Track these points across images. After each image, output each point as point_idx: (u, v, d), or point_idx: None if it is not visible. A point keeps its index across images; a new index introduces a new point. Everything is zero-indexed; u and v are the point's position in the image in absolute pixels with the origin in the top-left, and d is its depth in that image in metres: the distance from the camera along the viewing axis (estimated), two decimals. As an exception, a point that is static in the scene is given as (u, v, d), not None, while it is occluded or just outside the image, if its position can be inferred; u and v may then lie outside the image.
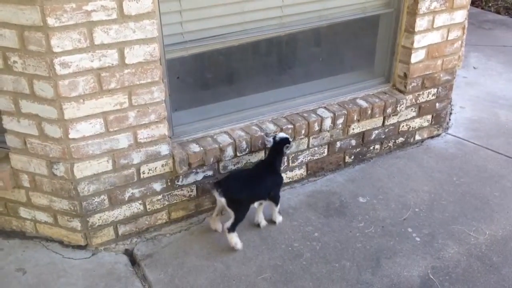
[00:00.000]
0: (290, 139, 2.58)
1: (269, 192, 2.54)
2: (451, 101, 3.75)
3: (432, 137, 3.43)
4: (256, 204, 2.51)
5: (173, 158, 2.45)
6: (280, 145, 2.54)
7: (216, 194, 2.40)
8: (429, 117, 3.33)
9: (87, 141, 2.21)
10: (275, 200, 2.59)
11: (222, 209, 2.50)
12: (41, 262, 2.39)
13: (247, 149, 2.64)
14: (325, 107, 2.91)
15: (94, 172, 2.29)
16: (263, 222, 2.61)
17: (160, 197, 2.53)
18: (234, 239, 2.44)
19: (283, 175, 2.89)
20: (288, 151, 2.58)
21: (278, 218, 2.64)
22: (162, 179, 2.49)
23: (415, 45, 2.97)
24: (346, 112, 2.89)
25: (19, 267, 2.36)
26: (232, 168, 2.68)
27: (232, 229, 2.41)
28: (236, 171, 2.66)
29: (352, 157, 3.13)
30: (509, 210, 2.76)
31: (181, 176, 2.54)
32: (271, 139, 2.56)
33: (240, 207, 2.41)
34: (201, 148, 2.50)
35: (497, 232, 2.61)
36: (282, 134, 2.60)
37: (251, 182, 2.49)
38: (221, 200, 2.38)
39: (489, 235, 2.59)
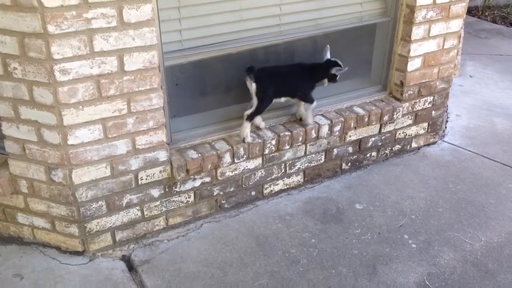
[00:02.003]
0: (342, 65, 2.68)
1: (296, 92, 2.70)
2: (447, 109, 3.79)
3: (428, 145, 3.45)
4: (283, 99, 2.69)
5: (171, 165, 2.46)
6: (328, 65, 2.68)
7: (248, 79, 2.55)
8: (425, 124, 3.36)
9: (86, 147, 2.22)
10: (305, 99, 2.74)
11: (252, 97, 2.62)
12: (38, 268, 2.39)
13: (245, 156, 2.66)
14: (322, 114, 2.93)
15: (92, 178, 2.30)
16: (303, 117, 2.81)
17: (157, 203, 2.55)
18: (247, 129, 2.60)
19: (280, 181, 2.91)
20: (337, 73, 2.71)
21: (309, 119, 2.79)
22: (160, 185, 2.51)
23: (412, 53, 3.00)
24: (343, 119, 2.91)
25: (16, 273, 2.36)
26: (230, 174, 2.69)
27: (250, 118, 2.58)
28: (273, 65, 2.75)
29: (349, 164, 3.15)
30: (504, 217, 2.78)
31: (179, 183, 2.56)
32: (327, 53, 2.72)
33: (264, 98, 2.57)
34: (199, 155, 2.52)
35: (493, 239, 2.63)
36: (335, 59, 2.71)
37: (282, 78, 2.64)
38: (252, 86, 2.54)
39: (484, 242, 2.60)
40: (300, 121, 2.83)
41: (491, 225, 2.72)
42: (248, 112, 2.59)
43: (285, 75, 2.69)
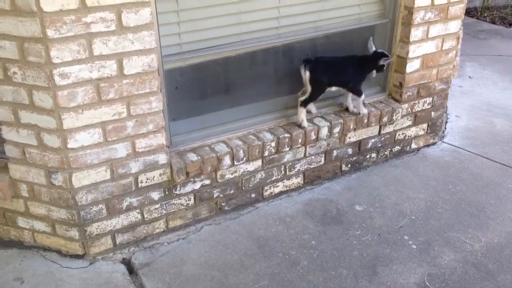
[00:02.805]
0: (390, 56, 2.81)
1: (347, 82, 2.84)
2: (446, 110, 3.79)
3: (428, 146, 3.46)
4: (334, 88, 2.84)
5: (171, 167, 2.47)
6: (376, 57, 2.80)
7: (302, 69, 2.73)
8: (424, 125, 3.36)
9: (86, 150, 2.23)
10: (354, 91, 2.89)
11: (305, 86, 2.78)
12: (39, 272, 2.39)
13: (244, 158, 2.66)
14: (321, 116, 2.94)
15: (92, 182, 2.31)
16: (350, 106, 2.98)
17: (158, 206, 2.55)
18: (302, 115, 2.78)
19: (280, 183, 2.91)
20: (385, 64, 2.83)
21: (363, 110, 2.94)
22: (160, 188, 2.51)
23: (410, 55, 3.01)
24: (342, 121, 2.91)
25: (17, 277, 2.36)
26: (230, 177, 2.70)
27: (304, 104, 2.77)
28: (328, 56, 2.86)
29: (349, 166, 3.15)
30: (504, 218, 2.78)
31: (179, 185, 2.56)
32: (372, 44, 2.84)
33: (317, 87, 2.74)
34: (199, 157, 2.53)
35: (493, 239, 2.63)
36: (382, 50, 2.83)
37: (335, 68, 2.80)
38: (306, 75, 2.72)
39: (484, 242, 2.61)
40: (346, 110, 3.00)
41: (491, 225, 2.72)
42: (302, 98, 2.77)
43: (339, 66, 2.84)
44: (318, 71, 2.74)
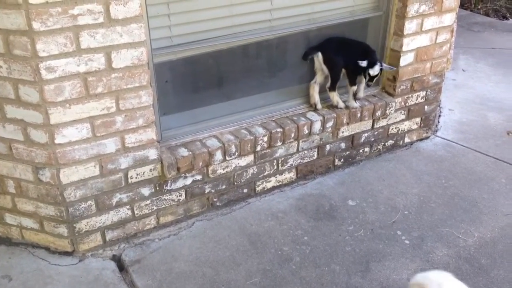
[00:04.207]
0: (379, 67, 2.80)
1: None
2: (440, 104, 3.77)
3: (421, 140, 3.44)
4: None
5: (162, 163, 2.43)
6: (368, 67, 2.79)
7: (314, 55, 2.79)
8: (418, 119, 3.34)
9: (74, 146, 2.18)
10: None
11: (320, 71, 2.83)
12: (27, 269, 2.35)
13: (236, 153, 2.63)
14: (314, 110, 2.90)
15: (81, 178, 2.27)
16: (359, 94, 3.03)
17: (148, 202, 2.51)
18: (335, 97, 2.86)
19: (272, 178, 2.89)
20: (371, 74, 2.81)
21: (352, 103, 2.96)
22: (150, 184, 2.47)
23: (404, 48, 2.98)
24: (335, 115, 2.89)
25: (5, 274, 2.32)
26: (222, 172, 2.66)
27: (332, 87, 2.84)
28: (336, 37, 2.90)
29: (342, 160, 3.13)
30: (497, 212, 2.77)
31: (169, 181, 2.53)
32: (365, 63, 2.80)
33: (334, 66, 2.79)
34: (190, 153, 2.49)
35: (486, 234, 2.62)
36: (376, 65, 2.80)
37: (346, 49, 2.83)
38: (318, 56, 2.78)
39: (477, 237, 2.60)
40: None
41: (484, 220, 2.72)
42: (328, 84, 2.85)
43: (349, 46, 2.88)
44: (330, 50, 2.80)
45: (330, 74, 2.81)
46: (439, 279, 1.77)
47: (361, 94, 3.02)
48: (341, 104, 2.89)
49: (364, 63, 2.78)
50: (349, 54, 2.81)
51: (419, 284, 1.79)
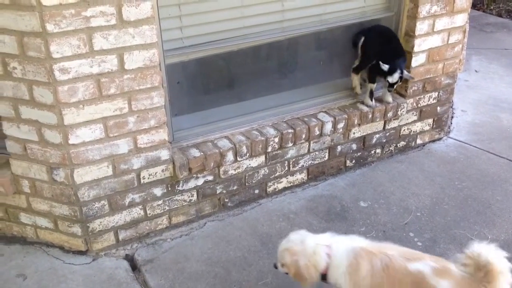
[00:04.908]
0: (398, 75, 2.81)
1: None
2: (452, 105, 3.74)
3: (433, 141, 3.42)
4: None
5: (174, 163, 2.45)
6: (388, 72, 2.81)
7: (357, 37, 2.89)
8: (430, 121, 3.32)
9: (87, 146, 2.21)
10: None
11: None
12: (42, 268, 2.38)
13: (247, 154, 2.64)
14: (325, 111, 2.90)
15: (94, 178, 2.29)
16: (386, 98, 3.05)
17: (160, 202, 2.53)
18: (356, 81, 2.97)
19: (283, 179, 2.89)
20: (390, 81, 2.83)
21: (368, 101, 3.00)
22: (162, 184, 2.49)
23: (416, 49, 2.97)
24: (346, 116, 2.88)
25: (20, 273, 2.36)
26: (233, 173, 2.67)
27: (355, 70, 2.96)
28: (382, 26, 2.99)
29: (353, 161, 3.12)
30: (511, 214, 2.74)
31: (181, 181, 2.54)
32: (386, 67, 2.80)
33: (366, 51, 2.87)
34: (202, 153, 2.50)
35: (499, 236, 2.59)
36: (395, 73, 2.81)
37: (381, 43, 2.88)
38: (361, 40, 2.86)
39: (491, 239, 2.57)
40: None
41: (498, 222, 2.69)
42: (354, 65, 2.95)
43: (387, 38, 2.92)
44: (368, 36, 2.87)
45: (361, 58, 2.90)
46: (299, 237, 1.96)
47: (389, 98, 2.99)
48: (358, 90, 2.98)
49: (385, 67, 2.75)
50: (381, 49, 2.84)
51: (286, 248, 1.93)
